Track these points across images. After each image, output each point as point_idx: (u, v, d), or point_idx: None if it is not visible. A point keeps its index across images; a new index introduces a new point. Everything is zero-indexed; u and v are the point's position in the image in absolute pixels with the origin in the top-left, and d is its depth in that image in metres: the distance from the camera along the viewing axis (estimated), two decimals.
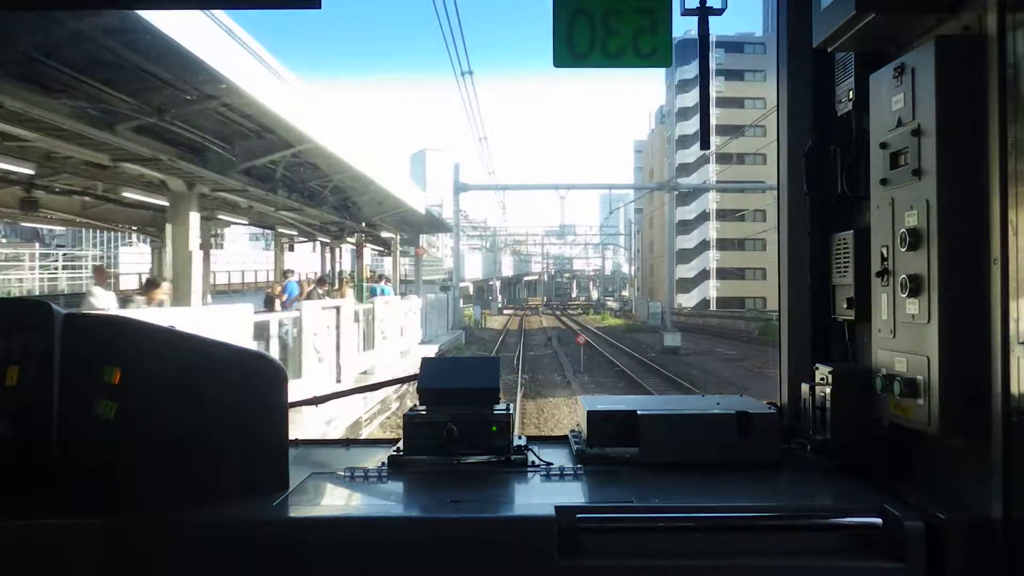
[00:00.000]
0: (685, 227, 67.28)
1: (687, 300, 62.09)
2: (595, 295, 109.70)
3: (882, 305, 1.74)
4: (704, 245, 65.66)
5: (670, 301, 39.96)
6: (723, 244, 64.43)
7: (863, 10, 1.66)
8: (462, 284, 64.39)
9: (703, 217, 65.21)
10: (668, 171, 63.16)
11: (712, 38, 2.22)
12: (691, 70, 62.84)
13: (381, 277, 23.73)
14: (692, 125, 63.49)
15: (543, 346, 33.59)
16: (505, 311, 69.06)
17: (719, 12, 1.91)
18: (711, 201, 63.85)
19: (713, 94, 63.57)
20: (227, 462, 1.67)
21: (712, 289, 64.66)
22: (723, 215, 62.56)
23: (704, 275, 65.93)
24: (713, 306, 61.71)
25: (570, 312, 74.46)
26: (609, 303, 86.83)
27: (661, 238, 77.47)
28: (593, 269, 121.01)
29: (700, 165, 63.24)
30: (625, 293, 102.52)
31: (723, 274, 64.63)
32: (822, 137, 2.10)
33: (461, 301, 42.42)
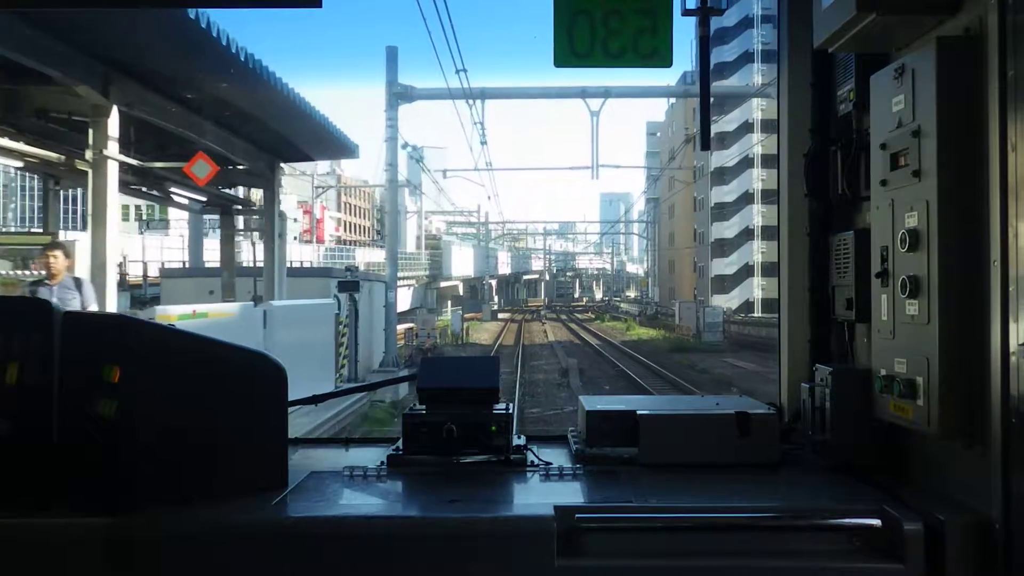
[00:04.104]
0: (723, 212, 65.87)
1: (727, 302, 59.85)
2: (599, 295, 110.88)
3: (882, 306, 2.10)
4: (747, 234, 64.11)
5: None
6: (769, 232, 62.79)
7: (863, 10, 1.99)
8: (446, 284, 63.39)
9: (746, 199, 63.81)
10: (697, 144, 62.22)
11: None
12: (728, 17, 62.03)
13: None
14: (730, 85, 62.78)
15: (557, 388, 22.10)
16: (501, 315, 68.34)
17: (719, 12, 2.32)
18: (755, 180, 62.45)
19: (758, 48, 63.13)
20: (227, 462, 2.03)
21: (757, 288, 63.33)
22: (770, 196, 61.45)
23: (747, 271, 64.48)
24: (758, 309, 60.14)
25: (578, 316, 73.04)
26: (622, 305, 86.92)
27: (683, 227, 76.75)
28: (596, 268, 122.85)
29: (742, 134, 62.56)
30: (630, 292, 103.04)
31: (769, 270, 62.97)
32: (822, 138, 2.49)
33: (394, 311, 22.82)
